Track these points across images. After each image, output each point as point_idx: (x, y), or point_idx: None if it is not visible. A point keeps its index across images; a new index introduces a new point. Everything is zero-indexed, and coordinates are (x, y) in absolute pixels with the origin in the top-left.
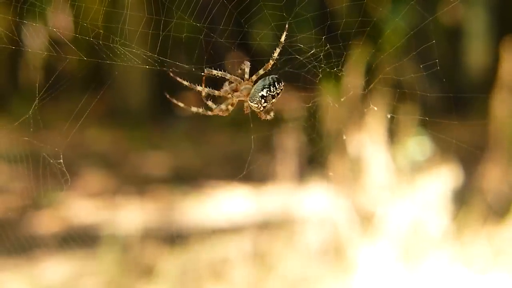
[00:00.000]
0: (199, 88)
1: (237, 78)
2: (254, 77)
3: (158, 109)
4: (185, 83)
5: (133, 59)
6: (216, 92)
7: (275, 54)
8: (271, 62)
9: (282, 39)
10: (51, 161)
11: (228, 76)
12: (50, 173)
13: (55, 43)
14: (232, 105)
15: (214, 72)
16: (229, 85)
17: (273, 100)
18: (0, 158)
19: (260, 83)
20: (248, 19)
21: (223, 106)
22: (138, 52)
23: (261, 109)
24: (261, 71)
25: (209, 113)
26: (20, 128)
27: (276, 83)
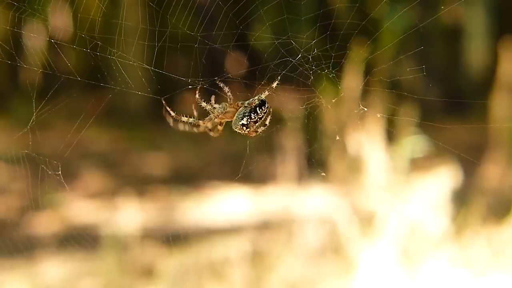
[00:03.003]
0: (184, 118)
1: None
2: (239, 103)
3: (158, 109)
4: (172, 113)
5: (130, 84)
6: (203, 104)
7: (263, 96)
8: (257, 101)
9: (274, 85)
10: (50, 173)
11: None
12: (50, 174)
13: (54, 48)
14: (220, 124)
15: (203, 104)
16: (215, 103)
17: (257, 124)
18: (0, 158)
19: (241, 111)
20: (244, 20)
21: (211, 124)
22: (135, 64)
23: (246, 132)
24: (245, 103)
25: (195, 130)
26: (20, 129)
27: (258, 108)
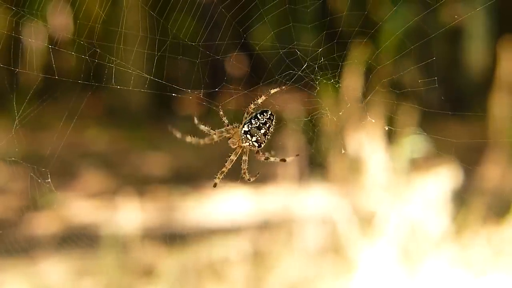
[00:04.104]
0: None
1: (227, 128)
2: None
3: (158, 109)
4: (178, 135)
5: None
6: (202, 127)
7: (259, 101)
8: (252, 106)
9: (272, 91)
10: (39, 181)
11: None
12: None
13: (54, 47)
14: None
15: (202, 127)
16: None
17: (262, 131)
18: (0, 158)
19: (243, 122)
20: (248, 28)
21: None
22: (135, 73)
23: (256, 146)
24: (245, 114)
25: (201, 142)
26: (15, 136)
27: (259, 114)
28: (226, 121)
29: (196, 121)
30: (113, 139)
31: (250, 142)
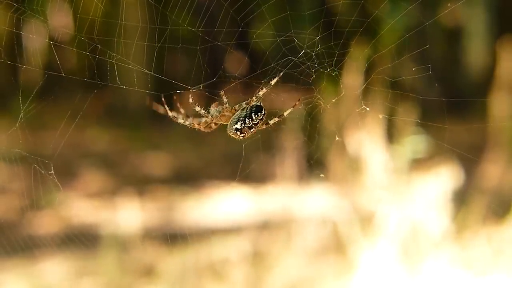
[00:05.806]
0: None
1: (221, 106)
2: (236, 107)
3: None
4: (170, 113)
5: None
6: (197, 109)
7: (260, 93)
8: (254, 99)
9: (273, 82)
10: (43, 172)
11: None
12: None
13: (55, 43)
14: (215, 124)
15: (197, 109)
16: (215, 107)
17: (252, 130)
18: (0, 158)
19: (236, 114)
20: (245, 17)
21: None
22: (135, 68)
23: (241, 138)
24: (243, 104)
25: (196, 126)
26: (20, 129)
27: (253, 113)
28: (227, 105)
29: (191, 100)
30: (113, 139)
31: (237, 135)
